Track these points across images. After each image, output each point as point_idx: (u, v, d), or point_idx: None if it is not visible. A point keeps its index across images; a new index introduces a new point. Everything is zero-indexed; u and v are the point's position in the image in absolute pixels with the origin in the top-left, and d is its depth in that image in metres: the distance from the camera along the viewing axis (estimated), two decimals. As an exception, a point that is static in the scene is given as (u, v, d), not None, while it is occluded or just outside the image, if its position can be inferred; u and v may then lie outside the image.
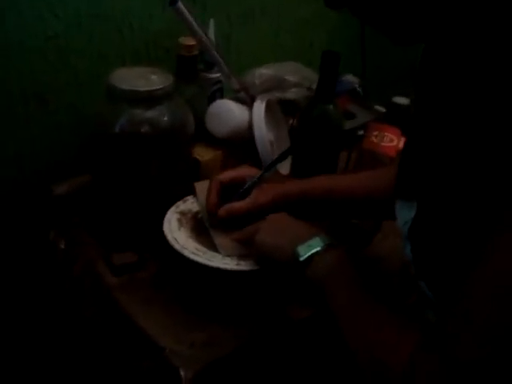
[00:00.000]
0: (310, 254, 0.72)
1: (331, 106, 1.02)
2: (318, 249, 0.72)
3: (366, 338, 0.63)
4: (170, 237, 0.87)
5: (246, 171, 0.91)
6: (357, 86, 1.40)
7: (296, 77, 1.19)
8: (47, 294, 1.10)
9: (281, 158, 0.95)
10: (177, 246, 0.85)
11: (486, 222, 0.53)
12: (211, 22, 1.13)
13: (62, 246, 1.01)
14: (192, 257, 0.83)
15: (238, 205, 0.87)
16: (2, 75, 1.00)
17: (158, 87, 0.92)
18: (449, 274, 0.59)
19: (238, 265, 0.83)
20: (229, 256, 0.85)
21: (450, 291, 0.58)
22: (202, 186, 0.98)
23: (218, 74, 1.15)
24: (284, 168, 1.14)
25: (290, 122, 1.20)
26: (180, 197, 0.96)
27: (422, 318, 0.71)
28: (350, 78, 1.42)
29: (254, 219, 0.85)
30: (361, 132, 1.25)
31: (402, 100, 1.29)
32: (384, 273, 0.95)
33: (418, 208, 0.65)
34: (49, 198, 1.04)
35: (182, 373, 0.77)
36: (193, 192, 0.97)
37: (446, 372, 0.54)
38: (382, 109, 1.36)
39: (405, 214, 0.68)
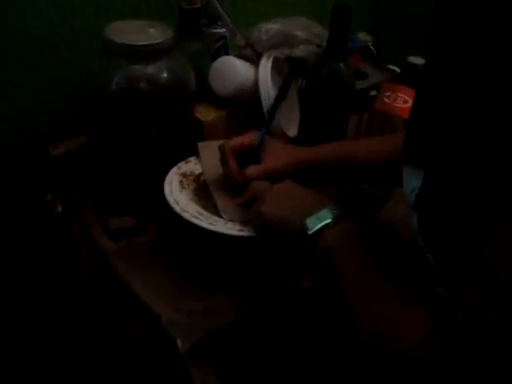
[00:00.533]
0: (319, 227, 0.68)
1: (342, 65, 0.97)
2: (328, 221, 0.68)
3: (375, 316, 0.60)
4: (170, 199, 0.83)
5: (252, 136, 0.86)
6: (370, 44, 1.33)
7: (305, 33, 1.12)
8: (44, 257, 1.08)
9: (280, 96, 0.90)
10: (177, 209, 0.81)
11: (498, 192, 0.50)
12: (215, -27, 1.06)
13: (59, 210, 0.98)
14: (193, 220, 0.79)
15: (252, 170, 0.83)
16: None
17: (156, 41, 0.87)
18: (457, 247, 0.56)
19: (240, 230, 0.79)
20: (232, 221, 0.81)
21: (457, 265, 0.55)
22: (205, 147, 0.94)
23: (222, 29, 1.09)
24: (291, 130, 1.09)
25: (299, 82, 1.15)
26: (181, 159, 0.92)
27: (431, 292, 0.68)
28: (363, 36, 1.35)
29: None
30: (373, 93, 1.19)
31: (417, 60, 1.22)
32: (394, 241, 0.91)
33: (426, 175, 0.61)
34: (46, 159, 1.01)
35: (179, 343, 0.74)
36: (195, 153, 0.93)
37: (455, 351, 0.51)
38: (396, 69, 1.30)
39: (412, 181, 0.65)
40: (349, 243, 0.67)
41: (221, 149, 0.85)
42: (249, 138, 0.85)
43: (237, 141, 0.85)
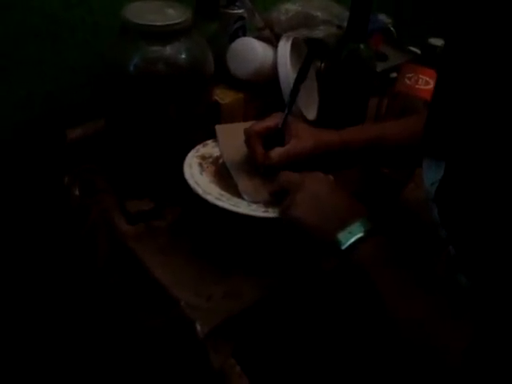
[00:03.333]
0: (351, 242, 0.67)
1: (362, 46, 0.95)
2: (360, 235, 0.67)
3: (421, 328, 0.59)
4: (191, 181, 0.82)
5: (276, 119, 0.84)
6: (390, 25, 1.31)
7: (325, 14, 1.10)
8: (61, 240, 1.07)
9: (300, 77, 0.87)
10: (200, 192, 0.80)
11: None
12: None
13: (77, 193, 0.98)
14: (216, 202, 0.78)
15: (276, 153, 0.81)
16: (13, 11, 0.95)
17: (174, 21, 0.85)
18: (480, 241, 0.55)
19: (265, 212, 0.78)
20: (254, 202, 0.80)
21: (481, 258, 0.55)
22: (223, 130, 0.93)
23: (240, 10, 1.07)
24: (310, 113, 1.07)
25: (318, 65, 1.13)
26: (199, 142, 0.91)
27: (453, 282, 0.68)
28: (383, 18, 1.33)
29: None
30: (393, 75, 1.17)
31: (438, 41, 1.20)
32: (416, 226, 0.90)
33: (447, 168, 0.60)
34: (63, 142, 1.00)
35: (198, 327, 0.73)
36: (213, 136, 0.92)
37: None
38: (416, 50, 1.28)
39: (432, 173, 0.64)
40: (384, 256, 0.66)
41: (246, 133, 0.83)
42: (273, 122, 0.84)
43: (262, 125, 0.83)
